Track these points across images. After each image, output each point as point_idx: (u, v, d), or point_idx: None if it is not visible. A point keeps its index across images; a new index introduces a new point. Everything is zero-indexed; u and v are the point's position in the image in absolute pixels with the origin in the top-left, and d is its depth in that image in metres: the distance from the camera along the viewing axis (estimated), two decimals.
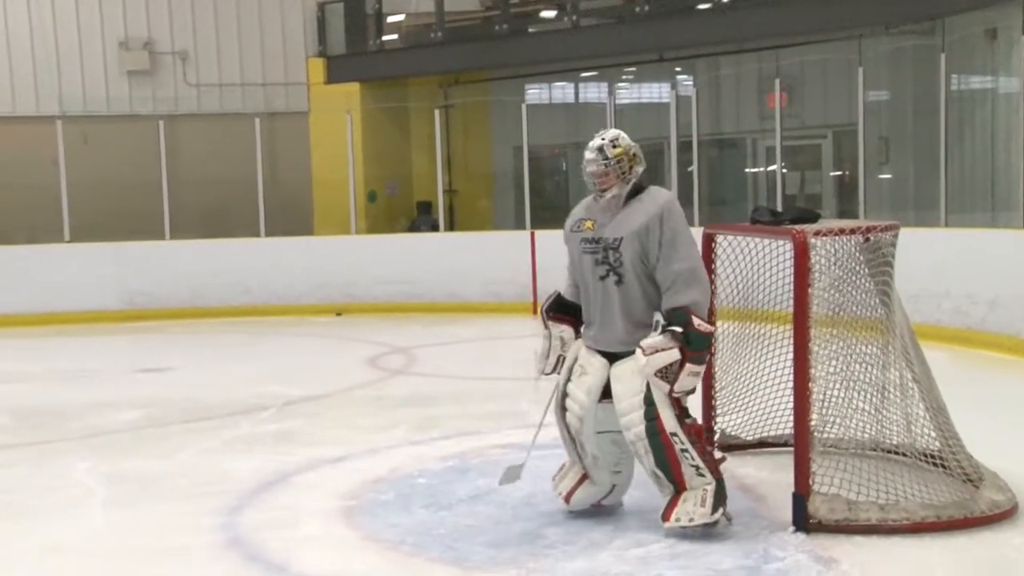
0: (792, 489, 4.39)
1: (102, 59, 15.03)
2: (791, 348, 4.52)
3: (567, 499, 4.63)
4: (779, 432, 5.51)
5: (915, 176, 13.13)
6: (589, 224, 4.48)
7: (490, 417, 6.74)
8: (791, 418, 4.66)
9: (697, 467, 4.24)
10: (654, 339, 4.18)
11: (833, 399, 4.62)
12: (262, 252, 13.73)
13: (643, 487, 5.09)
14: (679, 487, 4.27)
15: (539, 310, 4.66)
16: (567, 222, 4.63)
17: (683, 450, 4.23)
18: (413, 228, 15.68)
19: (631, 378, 4.28)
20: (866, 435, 4.81)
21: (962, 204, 11.55)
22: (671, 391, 4.20)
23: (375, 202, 15.61)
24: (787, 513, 4.41)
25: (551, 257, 12.17)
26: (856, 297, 4.80)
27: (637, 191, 4.48)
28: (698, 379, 4.25)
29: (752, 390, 5.65)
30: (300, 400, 7.84)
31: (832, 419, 4.63)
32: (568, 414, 4.51)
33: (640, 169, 4.48)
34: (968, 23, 11.64)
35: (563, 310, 4.67)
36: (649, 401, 4.24)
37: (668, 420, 4.23)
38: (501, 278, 12.96)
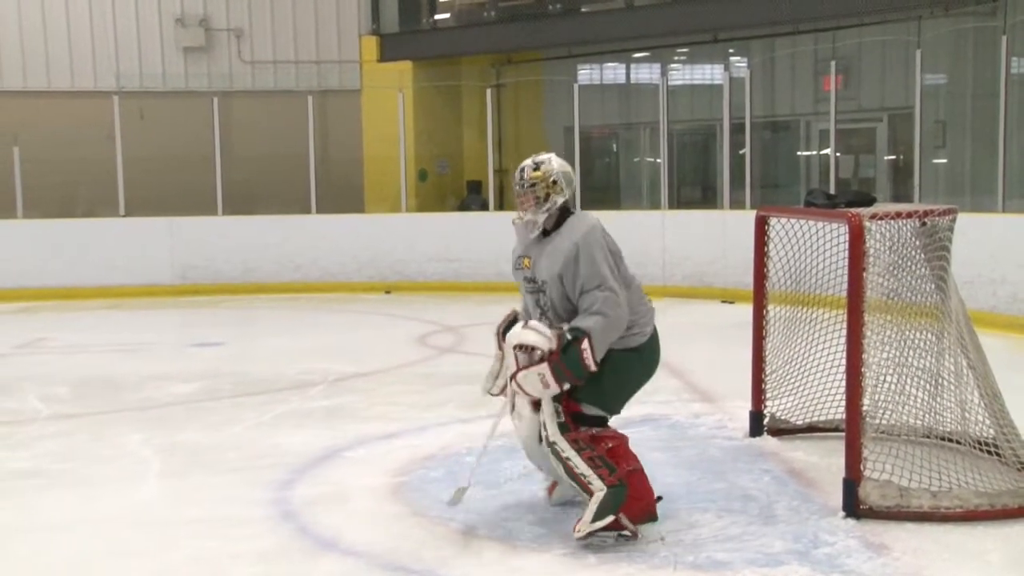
0: (843, 474, 4.36)
1: (159, 35, 15.22)
2: (843, 333, 4.48)
3: (549, 492, 4.62)
4: (830, 417, 5.48)
5: (972, 160, 12.91)
6: (526, 262, 4.37)
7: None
8: (842, 403, 4.62)
9: (583, 475, 4.03)
10: (532, 333, 4.10)
11: (886, 385, 4.57)
12: (313, 229, 13.84)
13: (691, 469, 5.10)
14: (590, 496, 4.05)
15: (496, 330, 4.50)
16: (513, 251, 4.52)
17: (567, 458, 4.05)
18: (463, 207, 15.71)
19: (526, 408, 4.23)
20: (919, 422, 4.76)
21: (1021, 189, 11.34)
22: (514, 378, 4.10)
23: (425, 181, 15.66)
24: (837, 498, 4.38)
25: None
26: (911, 283, 4.75)
27: (564, 218, 4.30)
28: (544, 390, 4.05)
29: (803, 374, 5.62)
30: (350, 377, 7.90)
31: (884, 405, 4.59)
32: (515, 427, 4.42)
33: (560, 199, 4.27)
34: None
35: None
36: (543, 413, 4.14)
37: (550, 430, 4.09)
38: None
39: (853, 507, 4.29)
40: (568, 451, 4.06)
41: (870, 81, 13.85)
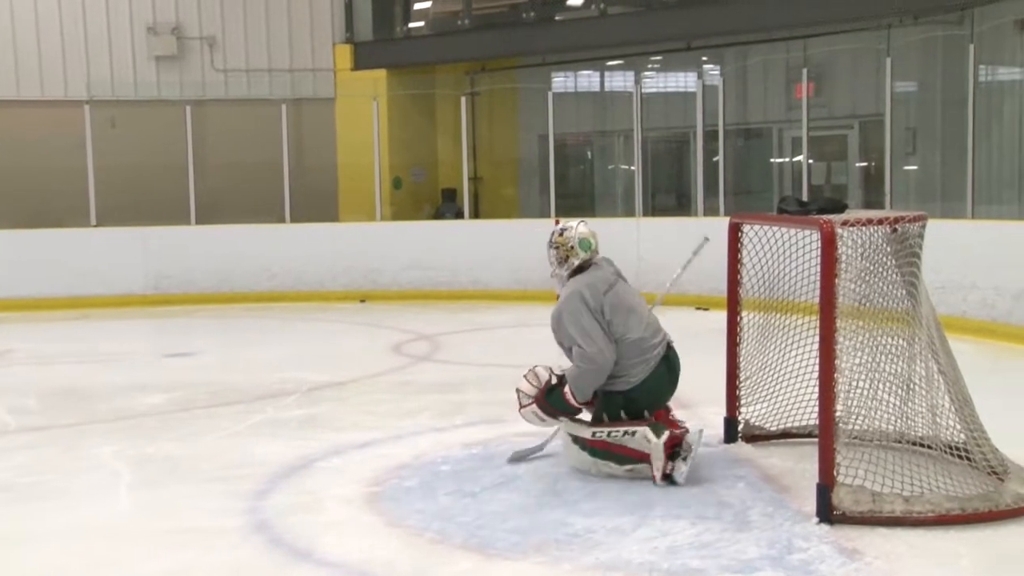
0: (816, 480, 4.38)
1: (130, 44, 15.11)
2: (816, 339, 4.51)
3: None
4: (803, 423, 5.50)
5: (942, 167, 13.02)
6: None
7: (514, 404, 6.72)
8: (815, 409, 4.65)
9: (627, 431, 4.94)
10: (532, 375, 5.16)
11: (858, 391, 4.60)
12: (287, 238, 13.79)
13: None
14: (647, 460, 4.90)
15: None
16: None
17: (609, 434, 4.95)
18: (438, 215, 15.70)
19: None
20: (891, 427, 4.79)
21: (989, 196, 11.46)
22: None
23: (400, 189, 15.64)
24: (811, 504, 4.40)
25: None
26: (883, 288, 4.78)
27: (573, 275, 5.20)
28: (541, 422, 5.15)
29: (776, 381, 5.64)
30: (324, 386, 7.87)
31: (857, 411, 4.61)
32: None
33: (576, 262, 5.18)
34: (998, 13, 11.52)
35: None
36: (573, 438, 5.09)
37: (583, 432, 5.05)
38: (525, 266, 12.94)
39: (826, 512, 4.31)
40: (606, 429, 4.98)
41: (841, 89, 13.96)
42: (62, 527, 4.67)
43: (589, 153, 17.46)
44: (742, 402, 5.71)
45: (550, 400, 5.04)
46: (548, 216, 13.25)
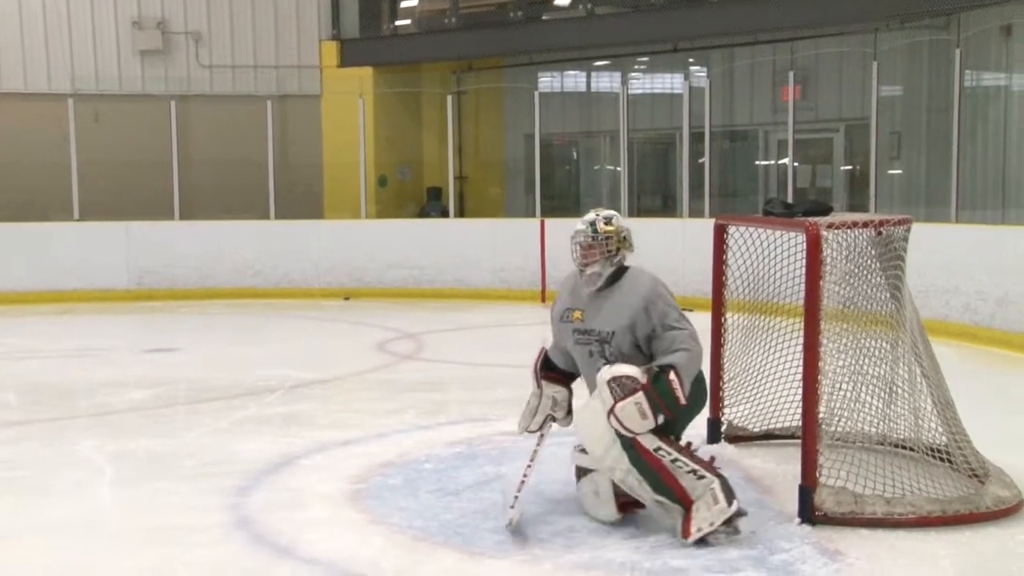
0: (799, 481, 4.39)
1: (115, 38, 15.03)
2: (800, 341, 4.52)
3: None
4: (786, 424, 5.52)
5: (927, 172, 13.09)
6: (577, 315, 4.44)
7: (498, 404, 6.73)
8: (798, 411, 4.66)
9: (695, 471, 4.13)
10: (622, 367, 4.17)
11: (841, 393, 4.62)
12: (272, 235, 13.75)
13: None
14: (685, 504, 4.14)
15: (534, 367, 4.64)
16: (555, 305, 4.61)
17: (674, 460, 4.13)
18: (423, 214, 15.69)
19: (594, 421, 4.23)
20: (874, 429, 4.81)
21: (973, 201, 11.53)
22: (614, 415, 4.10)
23: (386, 187, 15.61)
24: (793, 505, 4.41)
25: (561, 245, 12.23)
26: (867, 291, 4.80)
27: (619, 274, 4.43)
28: (643, 421, 4.08)
29: (760, 382, 5.66)
30: (308, 383, 7.85)
31: (840, 413, 4.63)
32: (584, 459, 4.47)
33: (628, 254, 4.46)
34: (984, 19, 11.59)
35: (553, 369, 4.64)
36: (619, 433, 4.15)
37: (647, 439, 4.13)
38: (511, 265, 12.98)
39: (808, 513, 4.32)
40: (674, 452, 4.14)
41: (827, 92, 14.01)
42: (42, 523, 4.64)
43: (575, 153, 17.47)
44: (725, 403, 5.73)
45: (658, 388, 4.09)
46: (533, 216, 13.27)
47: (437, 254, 13.35)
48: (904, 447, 4.85)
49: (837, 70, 13.67)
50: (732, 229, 5.71)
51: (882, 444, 4.84)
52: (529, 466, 4.53)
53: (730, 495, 4.12)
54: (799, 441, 4.51)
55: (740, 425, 5.69)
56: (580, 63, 16.27)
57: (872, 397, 4.72)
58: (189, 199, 13.79)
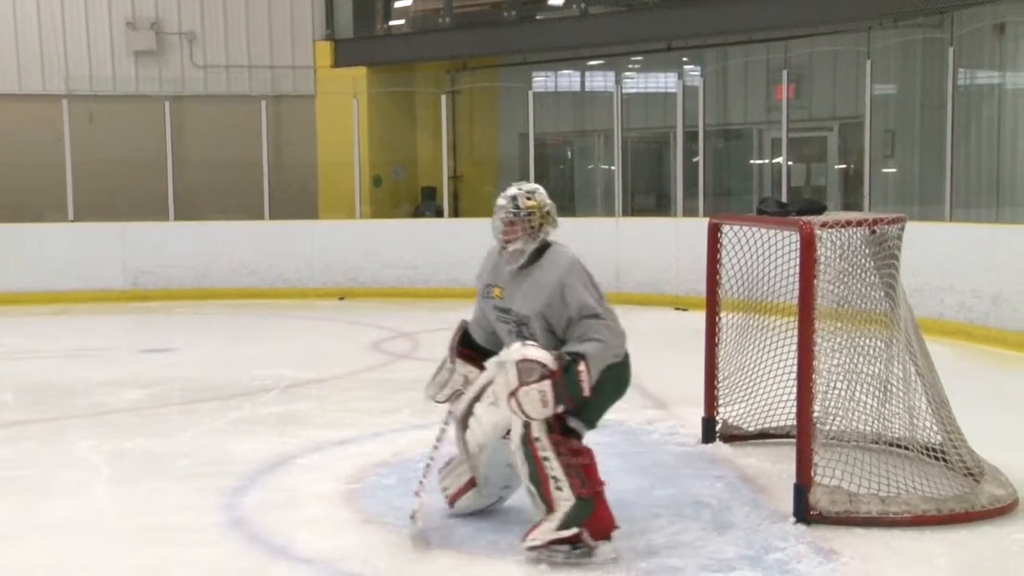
0: (793, 480, 4.41)
1: (109, 39, 15.01)
2: (795, 340, 4.53)
3: (451, 501, 4.51)
4: (781, 423, 5.53)
5: (921, 170, 13.11)
6: (497, 292, 4.31)
7: None
8: (793, 410, 4.68)
9: (555, 478, 3.96)
10: (534, 350, 4.02)
11: (836, 392, 4.63)
12: (267, 235, 13.74)
13: (644, 474, 5.12)
14: (549, 507, 4.00)
15: (451, 342, 4.51)
16: (478, 277, 4.47)
17: (544, 457, 3.98)
18: (417, 213, 15.68)
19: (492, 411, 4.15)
20: (868, 428, 4.83)
21: (967, 199, 11.54)
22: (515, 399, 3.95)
23: (380, 187, 15.60)
24: (788, 504, 4.42)
25: None
26: (861, 290, 4.82)
27: (541, 251, 4.26)
28: (543, 409, 3.93)
29: (754, 381, 5.67)
30: (304, 383, 7.85)
31: (835, 411, 4.64)
32: (469, 433, 4.31)
33: (551, 229, 4.28)
34: (977, 17, 11.62)
35: (470, 346, 4.50)
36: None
37: (536, 425, 3.99)
38: None
39: (803, 513, 4.34)
40: (549, 451, 3.98)
41: (821, 90, 14.03)
42: (38, 523, 4.64)
43: (569, 153, 17.48)
44: (720, 402, 5.74)
45: (566, 379, 3.95)
46: None
47: (432, 254, 13.35)
48: (899, 446, 4.86)
49: (831, 69, 13.70)
50: (726, 228, 5.72)
51: (877, 443, 4.85)
52: (435, 447, 4.43)
53: (573, 520, 3.93)
54: (794, 440, 4.52)
55: (735, 424, 5.71)
56: (574, 62, 16.27)
57: (867, 396, 4.73)
58: (184, 199, 13.78)
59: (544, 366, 3.95)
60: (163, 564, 4.11)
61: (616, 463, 5.34)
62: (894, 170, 13.64)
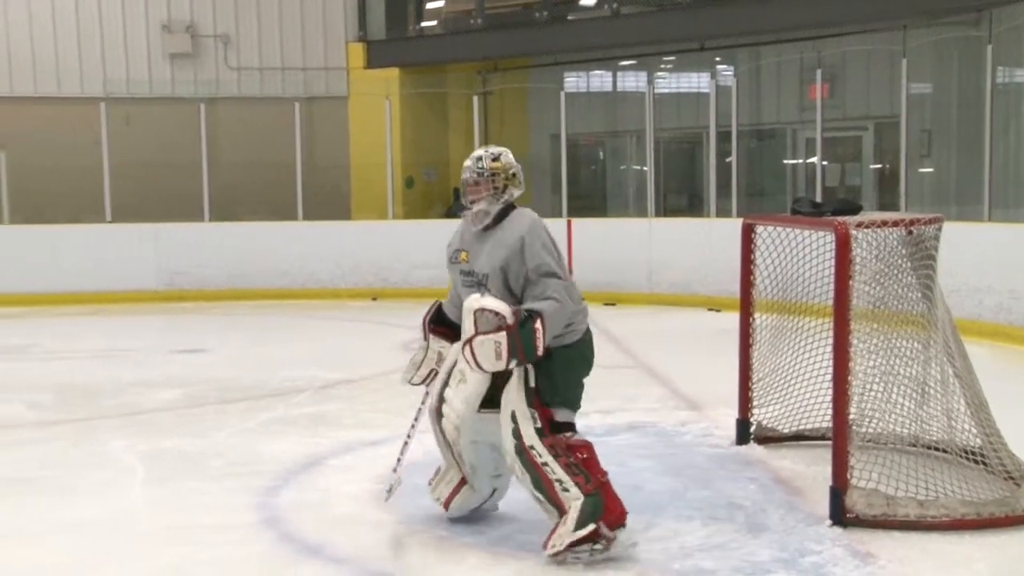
0: (829, 483, 4.35)
1: (145, 42, 15.16)
2: (830, 342, 4.48)
3: (445, 506, 4.49)
4: (816, 425, 5.48)
5: (958, 170, 12.97)
6: (463, 255, 4.32)
7: None
8: (829, 412, 4.63)
9: (559, 480, 3.97)
10: (492, 300, 4.05)
11: (872, 394, 4.57)
12: (300, 236, 13.79)
13: (677, 476, 5.09)
14: (560, 509, 4.00)
15: (423, 319, 4.55)
16: (448, 246, 4.48)
17: (543, 463, 3.98)
18: (449, 214, 15.67)
19: (471, 385, 4.17)
20: (906, 430, 4.76)
21: (1006, 199, 11.39)
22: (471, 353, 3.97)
23: (412, 188, 15.64)
24: (824, 507, 4.37)
25: (587, 245, 12.24)
26: (898, 291, 4.75)
27: (505, 212, 4.26)
28: (496, 361, 3.93)
29: (789, 383, 5.62)
30: (335, 384, 7.87)
31: (871, 414, 4.59)
32: (444, 420, 4.33)
33: (516, 192, 4.29)
34: (1015, 14, 11.45)
35: (443, 323, 4.53)
36: (515, 417, 4.05)
37: (527, 433, 4.01)
38: None
39: (840, 516, 4.28)
40: (546, 456, 3.99)
41: (856, 90, 13.91)
42: (72, 521, 4.67)
43: (601, 153, 17.44)
44: (754, 404, 5.69)
45: (521, 333, 3.93)
46: (560, 216, 13.21)
47: None
48: (937, 448, 4.79)
49: (865, 68, 13.57)
50: (760, 229, 5.67)
51: (914, 445, 4.79)
52: (413, 426, 4.45)
53: (588, 517, 3.93)
54: (829, 442, 4.47)
55: (769, 426, 5.66)
56: (606, 63, 16.24)
57: (904, 398, 4.67)
58: (218, 200, 13.87)
59: (501, 317, 3.97)
60: (195, 563, 4.13)
61: (649, 464, 5.32)
62: (930, 170, 13.50)
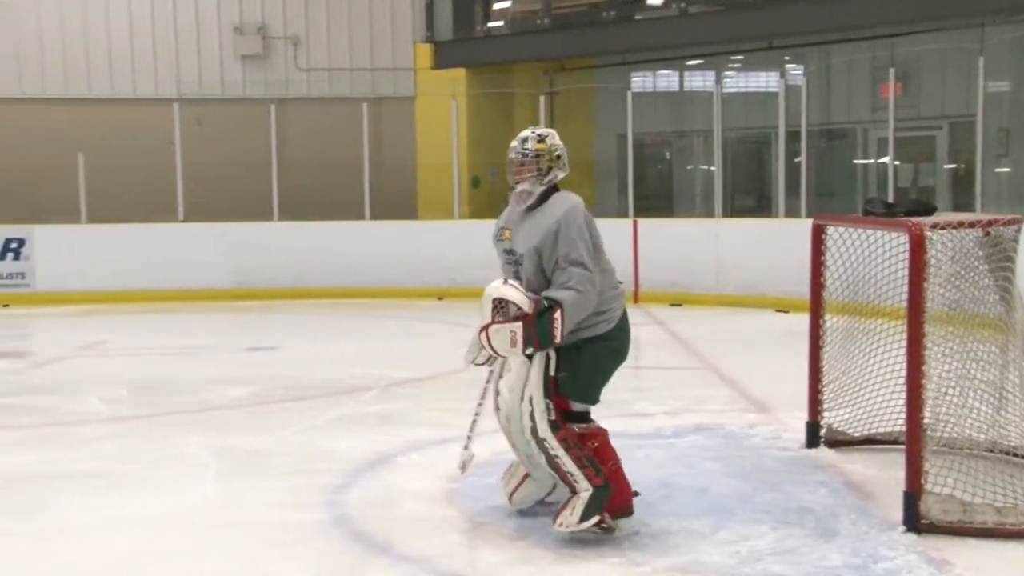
0: (903, 488, 4.28)
1: (218, 44, 15.42)
2: (903, 345, 4.40)
3: (510, 498, 4.57)
4: (889, 429, 5.39)
5: None
6: (507, 234, 4.41)
7: None
8: (902, 415, 4.55)
9: (570, 473, 4.14)
10: (512, 291, 4.17)
11: (948, 398, 4.49)
12: (367, 235, 13.89)
13: (746, 479, 5.04)
14: (570, 488, 4.18)
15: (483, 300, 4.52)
16: (495, 224, 4.58)
17: (555, 456, 4.15)
18: None
19: (514, 374, 4.28)
20: (982, 435, 4.66)
21: None
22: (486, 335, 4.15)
23: (478, 188, 15.67)
24: (897, 512, 4.30)
25: (653, 245, 12.18)
26: (974, 294, 4.66)
27: (548, 194, 4.34)
28: (511, 348, 4.11)
29: (861, 386, 5.54)
30: (402, 382, 7.92)
31: (946, 418, 4.50)
32: (499, 412, 4.45)
33: (560, 174, 4.35)
34: None
35: None
36: (532, 402, 4.19)
37: (540, 427, 4.17)
38: None
39: (914, 521, 4.21)
40: (557, 449, 4.14)
41: (930, 88, 13.64)
42: (146, 515, 4.75)
43: (667, 153, 17.32)
44: (825, 406, 5.61)
45: (538, 325, 4.08)
46: (626, 216, 13.16)
47: None
48: (1016, 455, 4.68)
49: (940, 66, 13.30)
50: (831, 229, 5.59)
51: (992, 451, 4.69)
52: (480, 404, 4.53)
53: (592, 510, 4.09)
54: (902, 447, 4.40)
55: (840, 429, 5.58)
56: (673, 62, 16.13)
57: (981, 403, 4.58)
58: (287, 200, 14.04)
59: (518, 307, 4.10)
60: (264, 559, 4.18)
61: (716, 467, 5.28)
62: (1008, 170, 13.19)
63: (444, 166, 14.42)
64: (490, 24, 16.50)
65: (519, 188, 4.34)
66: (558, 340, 4.07)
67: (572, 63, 16.22)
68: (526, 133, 4.41)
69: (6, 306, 13.14)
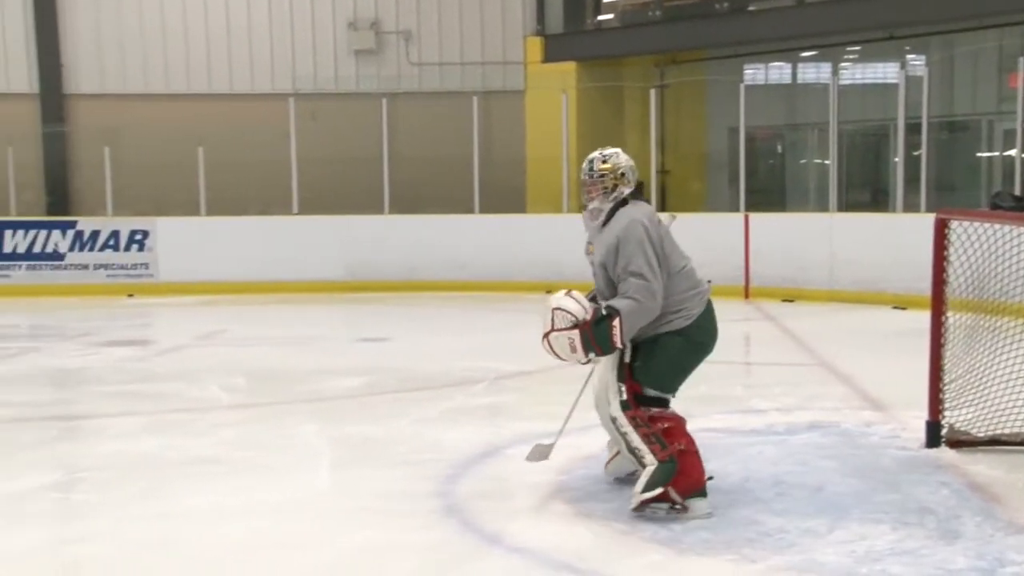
0: None
1: (332, 39, 15.75)
2: None
3: (606, 467, 4.98)
4: (1016, 430, 5.21)
5: None
6: (591, 247, 4.72)
7: (701, 400, 6.59)
8: None
9: (637, 448, 4.44)
10: (570, 302, 4.51)
11: None
12: (476, 229, 13.98)
13: (863, 478, 4.93)
14: (640, 463, 4.48)
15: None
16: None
17: (624, 433, 4.47)
18: None
19: (603, 366, 4.61)
20: None
21: None
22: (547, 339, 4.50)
23: None
24: None
25: (765, 240, 11.99)
26: None
27: (615, 211, 4.61)
28: (571, 354, 4.47)
29: (985, 385, 5.36)
30: (511, 375, 7.96)
31: None
32: (595, 399, 4.81)
33: (626, 190, 4.62)
34: None
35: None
36: (607, 386, 4.57)
37: (612, 405, 4.52)
38: (714, 260, 12.56)
39: None
40: (626, 427, 4.46)
41: None
42: (265, 502, 4.87)
43: (780, 147, 17.02)
44: (946, 406, 5.45)
45: (596, 331, 4.40)
46: (737, 211, 12.99)
47: None
48: None
49: None
50: (955, 224, 5.43)
51: None
52: (576, 401, 4.79)
53: (654, 484, 4.35)
54: None
55: (963, 429, 5.41)
56: (787, 54, 15.83)
57: None
58: (398, 194, 14.22)
59: (576, 319, 4.46)
60: (379, 547, 4.25)
61: (832, 465, 5.18)
62: None
63: (553, 160, 14.42)
64: (600, 17, 16.43)
65: (591, 206, 4.69)
66: (619, 345, 4.41)
67: (683, 56, 16.06)
68: (593, 155, 4.72)
69: (131, 296, 13.63)
